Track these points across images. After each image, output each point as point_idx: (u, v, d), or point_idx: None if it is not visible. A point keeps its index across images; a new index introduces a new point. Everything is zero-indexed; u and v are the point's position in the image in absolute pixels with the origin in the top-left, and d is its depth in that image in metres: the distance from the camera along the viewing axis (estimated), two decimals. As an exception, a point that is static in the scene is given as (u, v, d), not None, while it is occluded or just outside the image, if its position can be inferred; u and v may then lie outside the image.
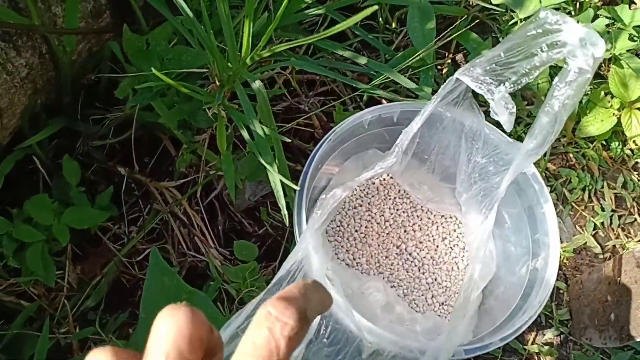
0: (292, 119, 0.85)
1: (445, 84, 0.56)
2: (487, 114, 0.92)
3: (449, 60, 0.90)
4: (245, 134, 0.61)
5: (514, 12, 0.84)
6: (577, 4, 0.85)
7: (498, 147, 0.67)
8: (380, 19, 0.93)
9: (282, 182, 0.63)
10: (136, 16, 0.73)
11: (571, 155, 0.88)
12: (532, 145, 0.51)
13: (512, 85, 0.50)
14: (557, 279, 0.64)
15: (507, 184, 0.60)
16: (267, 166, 0.60)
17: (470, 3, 0.93)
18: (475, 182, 0.69)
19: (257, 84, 0.54)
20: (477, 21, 0.94)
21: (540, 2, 0.78)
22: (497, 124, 0.57)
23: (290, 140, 0.83)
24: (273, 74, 0.77)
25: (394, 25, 0.93)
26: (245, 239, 0.78)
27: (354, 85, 0.67)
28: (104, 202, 0.77)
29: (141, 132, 0.82)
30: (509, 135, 0.84)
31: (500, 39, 0.92)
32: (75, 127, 0.79)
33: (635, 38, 0.82)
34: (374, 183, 0.77)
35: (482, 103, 0.93)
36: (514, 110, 0.51)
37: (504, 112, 0.51)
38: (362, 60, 0.69)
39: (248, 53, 0.52)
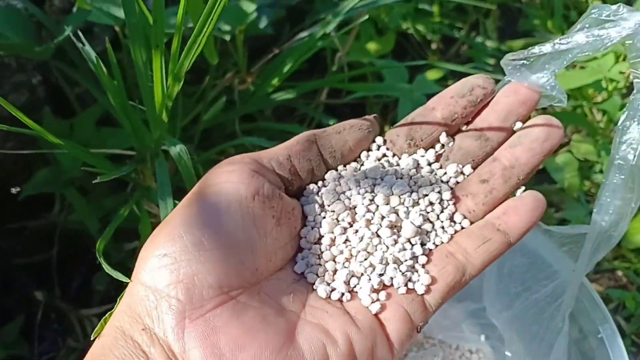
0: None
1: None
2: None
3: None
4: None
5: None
6: None
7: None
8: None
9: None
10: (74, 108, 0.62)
11: (620, 273, 0.69)
12: (606, 224, 0.33)
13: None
14: None
15: (574, 291, 0.41)
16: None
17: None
18: (518, 294, 0.49)
19: (177, 149, 0.39)
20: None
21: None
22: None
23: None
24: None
25: (386, 128, 0.82)
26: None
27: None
28: (9, 337, 0.59)
29: (72, 248, 0.66)
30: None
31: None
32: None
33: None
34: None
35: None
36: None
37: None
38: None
39: (163, 102, 0.38)
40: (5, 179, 0.67)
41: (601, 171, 0.72)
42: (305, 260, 0.32)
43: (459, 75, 0.93)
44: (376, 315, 0.30)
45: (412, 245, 0.32)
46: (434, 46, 0.97)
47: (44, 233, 0.62)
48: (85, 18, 0.53)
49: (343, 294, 0.31)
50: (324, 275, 0.31)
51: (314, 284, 0.31)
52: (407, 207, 0.33)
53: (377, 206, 0.33)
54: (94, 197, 0.52)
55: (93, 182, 0.39)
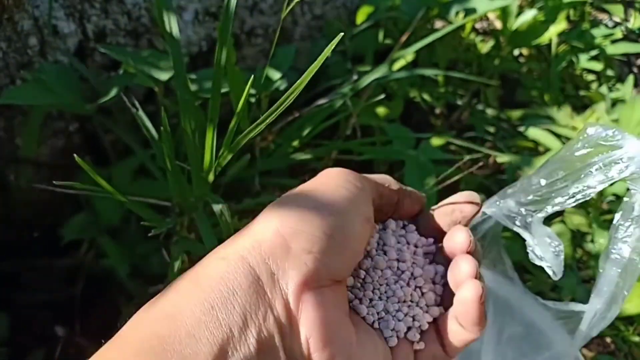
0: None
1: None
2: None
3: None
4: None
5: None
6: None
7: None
8: (378, 180, 0.86)
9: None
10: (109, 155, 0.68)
11: (609, 339, 0.73)
12: (600, 306, 0.38)
13: (554, 207, 0.37)
14: None
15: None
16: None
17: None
18: (516, 360, 0.52)
19: (219, 206, 0.44)
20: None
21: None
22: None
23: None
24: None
25: (392, 187, 0.87)
26: None
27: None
28: (27, 372, 0.62)
29: (95, 286, 0.70)
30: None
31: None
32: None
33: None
34: None
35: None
36: (561, 248, 0.37)
37: (547, 251, 0.37)
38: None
39: (210, 167, 0.43)
40: (34, 219, 0.71)
41: (592, 241, 0.77)
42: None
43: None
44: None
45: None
46: (437, 111, 1.04)
47: (68, 270, 0.66)
48: (131, 81, 0.58)
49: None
50: (360, 299, 0.35)
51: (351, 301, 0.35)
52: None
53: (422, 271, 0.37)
54: (125, 243, 0.57)
55: (149, 234, 0.43)
